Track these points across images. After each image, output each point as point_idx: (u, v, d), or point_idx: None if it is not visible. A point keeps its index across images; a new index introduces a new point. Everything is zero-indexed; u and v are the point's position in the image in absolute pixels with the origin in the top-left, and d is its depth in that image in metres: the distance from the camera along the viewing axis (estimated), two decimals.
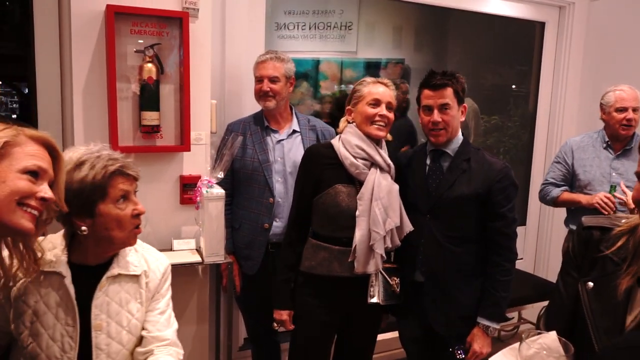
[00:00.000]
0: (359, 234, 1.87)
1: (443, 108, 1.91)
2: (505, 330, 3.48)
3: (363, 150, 1.91)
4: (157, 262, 1.45)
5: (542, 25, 3.52)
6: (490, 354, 1.85)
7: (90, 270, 1.32)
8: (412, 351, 2.17)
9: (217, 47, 2.47)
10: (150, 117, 2.08)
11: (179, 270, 1.96)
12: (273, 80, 2.27)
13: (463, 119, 1.98)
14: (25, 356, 1.27)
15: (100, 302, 1.31)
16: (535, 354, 1.01)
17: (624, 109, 2.60)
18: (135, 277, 1.38)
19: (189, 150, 2.19)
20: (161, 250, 1.55)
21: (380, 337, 2.17)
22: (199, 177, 2.20)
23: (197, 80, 2.18)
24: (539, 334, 1.06)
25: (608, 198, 2.51)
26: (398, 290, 1.97)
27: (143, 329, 1.39)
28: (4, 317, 1.30)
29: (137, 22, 2.06)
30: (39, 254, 1.21)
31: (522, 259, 3.67)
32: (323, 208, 1.93)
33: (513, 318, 3.37)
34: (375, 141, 1.93)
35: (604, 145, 2.72)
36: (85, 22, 2.00)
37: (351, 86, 3.04)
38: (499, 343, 1.95)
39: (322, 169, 1.95)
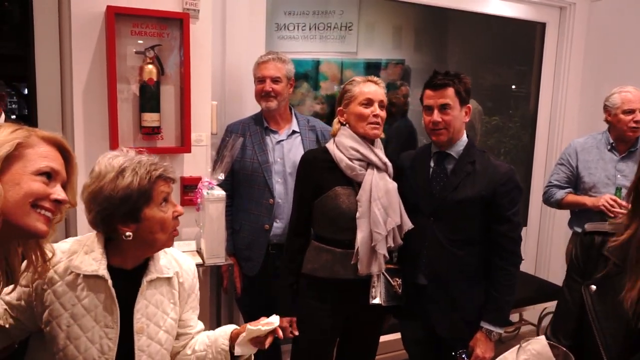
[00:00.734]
0: (360, 236, 1.87)
1: (443, 108, 1.90)
2: (506, 331, 3.48)
3: (357, 151, 1.90)
4: (187, 262, 1.50)
5: (542, 25, 3.51)
6: (493, 359, 1.85)
7: (127, 273, 1.34)
8: (415, 353, 2.17)
9: (217, 48, 2.47)
10: (150, 119, 2.08)
11: None
12: (275, 80, 2.27)
13: (467, 119, 1.96)
14: (60, 358, 1.28)
15: (140, 305, 1.34)
16: None
17: (631, 111, 2.58)
18: (168, 279, 1.40)
19: (189, 151, 2.19)
20: None
21: (383, 338, 2.17)
22: (199, 179, 2.19)
23: (198, 81, 2.18)
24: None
25: (614, 200, 2.50)
26: (400, 291, 1.96)
27: (179, 327, 1.44)
28: (29, 316, 1.31)
29: (138, 23, 2.06)
30: (50, 254, 1.21)
31: (523, 260, 3.65)
32: (324, 211, 1.93)
33: (514, 321, 3.37)
34: (370, 141, 1.93)
35: (609, 147, 2.70)
36: (85, 23, 2.00)
37: None
38: (499, 344, 1.94)
39: (320, 173, 1.94)
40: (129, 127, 2.10)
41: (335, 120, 2.01)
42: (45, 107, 2.16)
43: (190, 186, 2.21)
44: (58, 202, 1.05)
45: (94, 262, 1.29)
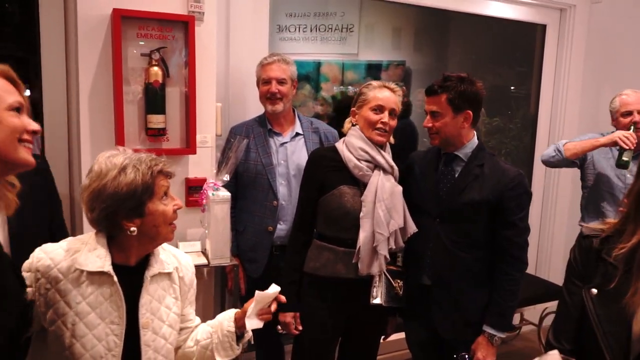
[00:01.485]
0: (362, 236, 1.88)
1: (433, 115, 1.91)
2: None
3: (366, 152, 1.92)
4: (185, 257, 1.52)
5: (543, 27, 3.52)
6: None
7: (130, 270, 1.36)
8: (418, 354, 2.17)
9: (221, 50, 2.48)
10: (156, 120, 2.09)
11: None
12: (281, 82, 2.27)
13: (466, 126, 1.90)
14: (66, 357, 1.28)
15: (145, 300, 1.35)
16: None
17: (629, 113, 2.59)
18: (168, 274, 1.43)
19: (194, 153, 2.20)
20: None
21: None
22: (204, 180, 2.20)
23: (203, 83, 2.19)
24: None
25: (629, 134, 2.46)
26: (401, 293, 1.97)
27: (180, 322, 1.46)
28: (33, 314, 1.32)
29: (143, 25, 2.07)
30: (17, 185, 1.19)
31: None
32: (328, 209, 1.94)
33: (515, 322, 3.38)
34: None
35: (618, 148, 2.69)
36: (91, 26, 2.01)
37: (351, 88, 3.08)
38: (500, 345, 1.95)
39: (325, 171, 1.96)
40: (135, 129, 2.11)
41: (348, 119, 2.03)
42: (51, 110, 2.18)
43: (195, 187, 2.22)
44: (34, 133, 1.09)
45: (99, 259, 1.30)
